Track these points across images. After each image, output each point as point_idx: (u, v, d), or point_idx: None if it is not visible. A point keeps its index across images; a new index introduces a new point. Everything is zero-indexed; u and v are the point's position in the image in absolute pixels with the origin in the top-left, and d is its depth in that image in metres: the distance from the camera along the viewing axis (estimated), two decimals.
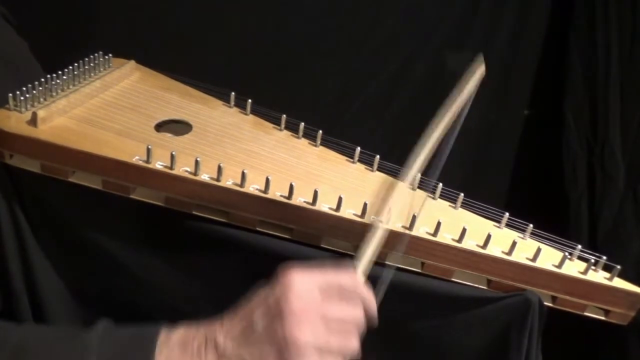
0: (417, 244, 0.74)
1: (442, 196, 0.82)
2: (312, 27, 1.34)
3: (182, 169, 0.75)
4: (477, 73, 0.82)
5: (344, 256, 0.75)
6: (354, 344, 0.58)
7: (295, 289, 0.55)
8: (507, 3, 1.37)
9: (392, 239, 0.71)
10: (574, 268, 0.74)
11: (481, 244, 0.74)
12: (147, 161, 0.75)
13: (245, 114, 0.93)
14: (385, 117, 1.45)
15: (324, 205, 0.74)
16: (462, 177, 1.51)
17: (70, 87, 0.86)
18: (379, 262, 0.70)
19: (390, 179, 0.85)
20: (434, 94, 1.44)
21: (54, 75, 0.84)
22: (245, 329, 0.56)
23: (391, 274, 0.68)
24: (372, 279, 0.65)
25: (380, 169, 0.86)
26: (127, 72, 0.96)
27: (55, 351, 0.61)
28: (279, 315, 0.54)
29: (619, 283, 0.74)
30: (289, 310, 0.54)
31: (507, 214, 0.79)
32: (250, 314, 0.56)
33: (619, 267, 0.73)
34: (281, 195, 0.75)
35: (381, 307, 0.67)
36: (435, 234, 0.74)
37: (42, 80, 0.82)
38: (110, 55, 0.95)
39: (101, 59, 0.93)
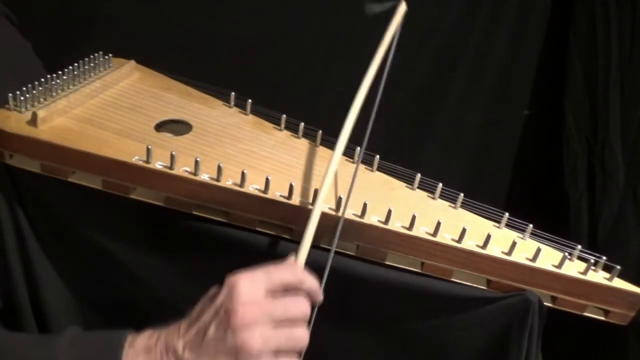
0: (417, 244, 0.74)
1: (442, 196, 0.82)
2: (312, 27, 1.34)
3: (182, 169, 0.75)
4: (399, 14, 0.84)
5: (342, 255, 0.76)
6: (303, 337, 0.60)
7: (241, 296, 0.57)
8: (507, 3, 1.37)
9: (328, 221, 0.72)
10: (573, 268, 0.74)
11: (481, 244, 0.74)
12: (147, 161, 0.75)
13: (245, 114, 0.93)
14: (385, 117, 1.45)
15: (324, 206, 0.74)
16: (462, 177, 1.51)
17: (70, 87, 0.86)
18: (318, 247, 0.71)
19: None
20: (434, 94, 1.45)
21: (54, 75, 0.84)
22: (199, 337, 0.58)
23: (331, 257, 0.69)
24: (313, 264, 0.65)
25: (380, 169, 0.86)
26: (127, 72, 0.96)
27: (24, 356, 0.62)
28: (229, 325, 0.56)
29: (619, 283, 0.74)
30: (238, 320, 0.56)
31: (507, 214, 0.79)
32: (203, 322, 0.58)
33: (618, 267, 0.73)
34: (281, 195, 0.75)
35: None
36: (435, 234, 0.74)
37: (42, 80, 0.82)
38: (110, 55, 0.95)
39: (101, 59, 0.93)
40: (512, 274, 0.74)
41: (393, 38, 0.81)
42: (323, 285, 0.65)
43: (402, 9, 0.84)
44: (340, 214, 0.73)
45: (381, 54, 0.77)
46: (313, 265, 0.65)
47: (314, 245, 0.72)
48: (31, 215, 0.80)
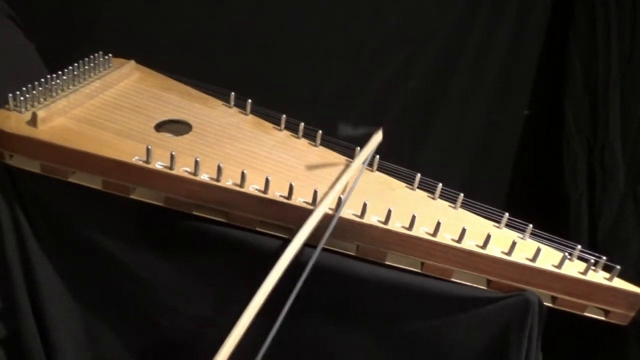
0: (417, 244, 0.74)
1: (442, 196, 0.82)
2: (312, 27, 1.34)
3: (182, 169, 0.75)
4: (375, 141, 0.85)
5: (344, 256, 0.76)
6: None
7: None
8: (507, 3, 1.37)
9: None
10: (573, 268, 0.74)
11: (481, 244, 0.74)
12: (147, 161, 0.75)
13: (245, 114, 0.93)
14: (385, 118, 1.45)
15: (324, 206, 0.74)
16: (462, 177, 1.51)
17: (70, 87, 0.86)
18: (314, 246, 0.70)
19: (389, 178, 0.85)
20: (434, 95, 1.45)
21: (54, 75, 0.84)
22: None
23: (316, 254, 0.68)
24: (299, 261, 0.65)
25: (380, 169, 0.86)
26: (127, 72, 0.96)
27: None
28: None
29: (619, 283, 0.74)
30: None
31: (507, 214, 0.79)
32: None
33: (618, 267, 0.73)
34: (281, 196, 0.75)
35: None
36: (435, 234, 0.74)
37: (42, 80, 0.82)
38: (110, 55, 0.95)
39: (101, 59, 0.93)
40: (512, 274, 0.74)
41: (364, 162, 0.82)
42: (301, 281, 0.64)
43: (378, 137, 0.85)
44: (336, 213, 0.73)
45: (350, 173, 0.79)
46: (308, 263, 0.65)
47: (311, 245, 0.72)
48: (31, 215, 0.80)
